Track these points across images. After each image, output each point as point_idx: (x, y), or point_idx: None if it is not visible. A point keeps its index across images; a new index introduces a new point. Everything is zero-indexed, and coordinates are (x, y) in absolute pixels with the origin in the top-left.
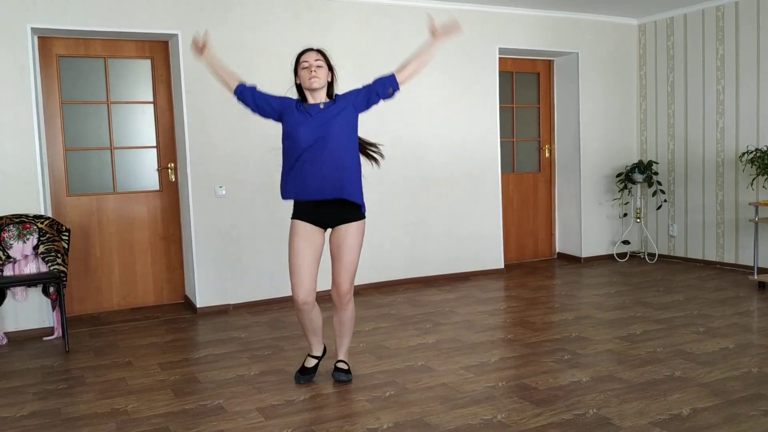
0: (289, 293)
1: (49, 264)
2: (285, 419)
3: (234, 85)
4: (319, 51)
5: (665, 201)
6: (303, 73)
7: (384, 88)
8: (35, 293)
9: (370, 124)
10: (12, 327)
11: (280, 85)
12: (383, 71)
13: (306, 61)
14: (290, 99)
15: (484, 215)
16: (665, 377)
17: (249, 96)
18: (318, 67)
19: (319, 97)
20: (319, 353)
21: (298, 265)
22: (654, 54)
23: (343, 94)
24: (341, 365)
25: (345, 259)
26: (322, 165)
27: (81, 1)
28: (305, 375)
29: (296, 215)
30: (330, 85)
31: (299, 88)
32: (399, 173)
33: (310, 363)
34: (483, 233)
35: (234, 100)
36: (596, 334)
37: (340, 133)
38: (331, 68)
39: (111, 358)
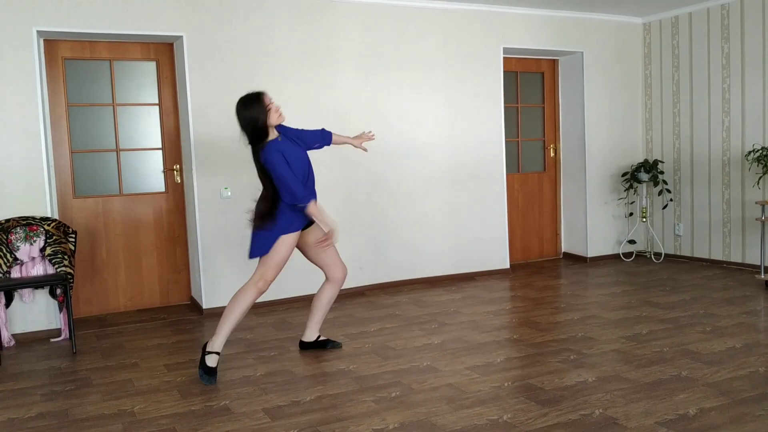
0: (294, 294)
1: (56, 266)
2: (291, 420)
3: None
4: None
5: (671, 200)
6: (275, 113)
7: (323, 141)
8: (42, 295)
9: (375, 124)
10: (19, 329)
11: (283, 87)
12: (387, 73)
13: (272, 102)
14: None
15: (489, 215)
16: (671, 377)
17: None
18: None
19: (274, 133)
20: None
21: None
22: (659, 53)
23: (284, 130)
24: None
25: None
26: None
27: (86, 3)
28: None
29: (296, 228)
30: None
31: (261, 126)
32: (404, 173)
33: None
34: (488, 233)
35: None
36: (602, 333)
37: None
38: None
39: (118, 359)
